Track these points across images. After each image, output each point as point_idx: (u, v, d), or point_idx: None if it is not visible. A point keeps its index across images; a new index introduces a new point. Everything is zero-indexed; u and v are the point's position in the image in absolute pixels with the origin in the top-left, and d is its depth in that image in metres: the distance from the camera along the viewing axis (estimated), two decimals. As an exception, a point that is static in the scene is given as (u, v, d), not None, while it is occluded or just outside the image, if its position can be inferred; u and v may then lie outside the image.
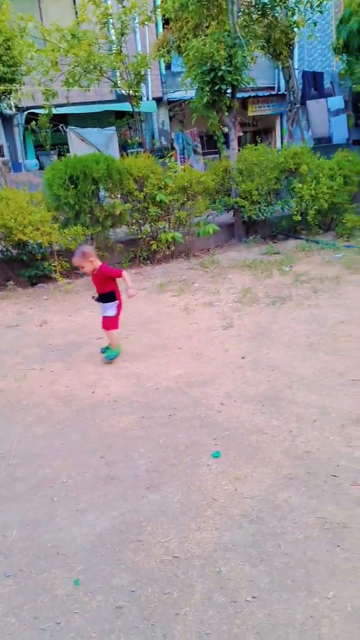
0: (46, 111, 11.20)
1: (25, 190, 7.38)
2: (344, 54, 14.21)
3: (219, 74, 7.83)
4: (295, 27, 11.19)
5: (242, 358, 4.24)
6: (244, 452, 2.93)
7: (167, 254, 8.08)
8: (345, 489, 2.54)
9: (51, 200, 7.12)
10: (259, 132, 19.35)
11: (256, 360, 4.17)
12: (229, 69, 7.85)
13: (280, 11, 10.19)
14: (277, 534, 2.29)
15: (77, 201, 6.97)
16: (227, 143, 9.59)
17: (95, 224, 7.28)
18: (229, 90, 8.39)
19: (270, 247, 8.17)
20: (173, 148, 15.58)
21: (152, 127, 17.01)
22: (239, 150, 9.28)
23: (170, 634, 1.87)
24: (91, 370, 4.30)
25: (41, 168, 13.56)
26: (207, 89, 8.04)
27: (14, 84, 9.35)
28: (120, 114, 15.52)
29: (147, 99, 15.75)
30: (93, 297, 4.55)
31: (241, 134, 15.51)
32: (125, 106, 12.08)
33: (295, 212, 8.55)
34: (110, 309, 4.38)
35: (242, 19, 9.26)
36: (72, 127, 13.56)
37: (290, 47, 12.55)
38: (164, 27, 13.99)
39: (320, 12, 9.79)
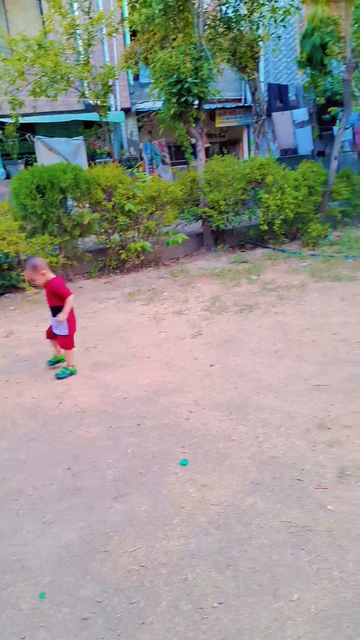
0: (13, 120, 11.11)
1: (-9, 199, 7.29)
2: (307, 68, 14.61)
3: (186, 86, 7.95)
4: (260, 41, 11.44)
5: (211, 366, 4.27)
6: (211, 459, 2.95)
7: (137, 263, 8.10)
8: (309, 492, 2.59)
9: (18, 210, 7.06)
10: (227, 143, 19.63)
11: (224, 367, 4.21)
12: (195, 81, 7.97)
13: (245, 25, 10.42)
14: (243, 539, 2.32)
15: (44, 210, 6.93)
16: (195, 154, 9.70)
17: (63, 234, 7.25)
18: (195, 102, 8.51)
19: (239, 256, 8.28)
20: (142, 158, 15.66)
21: (121, 137, 17.07)
22: (206, 161, 9.41)
23: (137, 643, 1.87)
24: (59, 381, 4.26)
25: (8, 177, 13.42)
26: (174, 100, 8.15)
27: (-21, 93, 9.25)
28: (89, 124, 15.51)
29: (116, 109, 15.81)
30: None
31: (208, 145, 15.71)
32: (94, 116, 12.08)
33: (262, 222, 8.69)
34: (60, 327, 4.29)
35: (208, 32, 9.44)
36: (40, 137, 13.48)
37: (256, 60, 12.81)
38: (131, 39, 14.10)
39: (284, 26, 10.05)
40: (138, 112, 17.01)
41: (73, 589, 2.14)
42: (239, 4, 9.57)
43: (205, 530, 2.39)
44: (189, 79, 7.91)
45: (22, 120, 11.44)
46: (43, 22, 11.02)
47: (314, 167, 9.09)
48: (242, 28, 10.47)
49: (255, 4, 9.32)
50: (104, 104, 10.87)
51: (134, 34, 12.23)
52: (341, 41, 9.97)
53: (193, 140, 9.54)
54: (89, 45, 9.95)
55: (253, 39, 11.25)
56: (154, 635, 1.89)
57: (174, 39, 9.84)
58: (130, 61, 12.38)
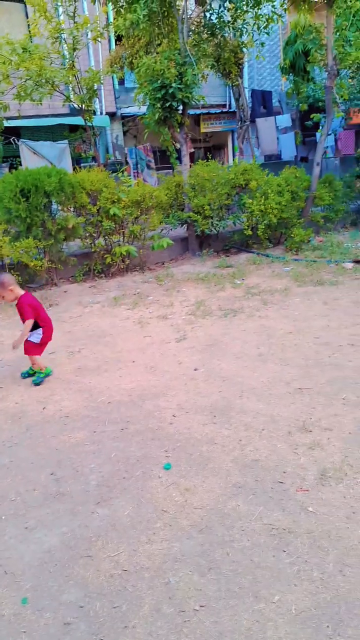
0: (-3, 123, 11.04)
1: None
2: (290, 74, 14.77)
3: (170, 91, 7.99)
4: (244, 47, 11.54)
5: (195, 370, 4.30)
6: (194, 463, 2.97)
7: (122, 267, 8.10)
8: (291, 494, 2.62)
9: (2, 213, 7.02)
10: (212, 148, 19.74)
11: (208, 371, 4.24)
12: (179, 86, 8.02)
13: (229, 32, 10.50)
14: (225, 543, 2.34)
15: (28, 214, 6.91)
16: (179, 159, 9.75)
17: (47, 237, 7.23)
18: (180, 107, 8.56)
19: (223, 261, 8.33)
20: (127, 162, 15.67)
21: (106, 142, 17.06)
22: (191, 166, 9.46)
23: (119, 647, 1.88)
24: (43, 385, 4.25)
25: (-8, 181, 13.31)
26: (159, 105, 8.19)
27: None
28: (74, 128, 15.49)
29: (101, 113, 15.80)
30: None
31: (192, 150, 15.79)
32: (79, 120, 12.08)
33: (246, 227, 8.76)
34: (32, 336, 4.29)
35: (192, 38, 9.50)
36: (24, 140, 13.42)
37: (240, 67, 12.91)
38: (116, 44, 14.14)
39: (268, 33, 10.15)
40: (123, 117, 17.03)
41: (56, 594, 2.14)
42: (222, 11, 9.65)
43: (188, 534, 2.41)
44: (174, 84, 7.95)
45: (6, 123, 11.38)
46: (28, 25, 11.02)
47: (297, 172, 9.19)
48: (226, 34, 10.55)
49: (239, 11, 9.40)
50: (89, 108, 10.89)
51: (119, 38, 12.26)
52: (323, 48, 10.10)
53: (178, 145, 9.59)
54: (74, 49, 9.96)
55: (237, 45, 11.36)
56: (137, 639, 1.90)
57: (159, 44, 9.89)
58: (115, 66, 12.42)
